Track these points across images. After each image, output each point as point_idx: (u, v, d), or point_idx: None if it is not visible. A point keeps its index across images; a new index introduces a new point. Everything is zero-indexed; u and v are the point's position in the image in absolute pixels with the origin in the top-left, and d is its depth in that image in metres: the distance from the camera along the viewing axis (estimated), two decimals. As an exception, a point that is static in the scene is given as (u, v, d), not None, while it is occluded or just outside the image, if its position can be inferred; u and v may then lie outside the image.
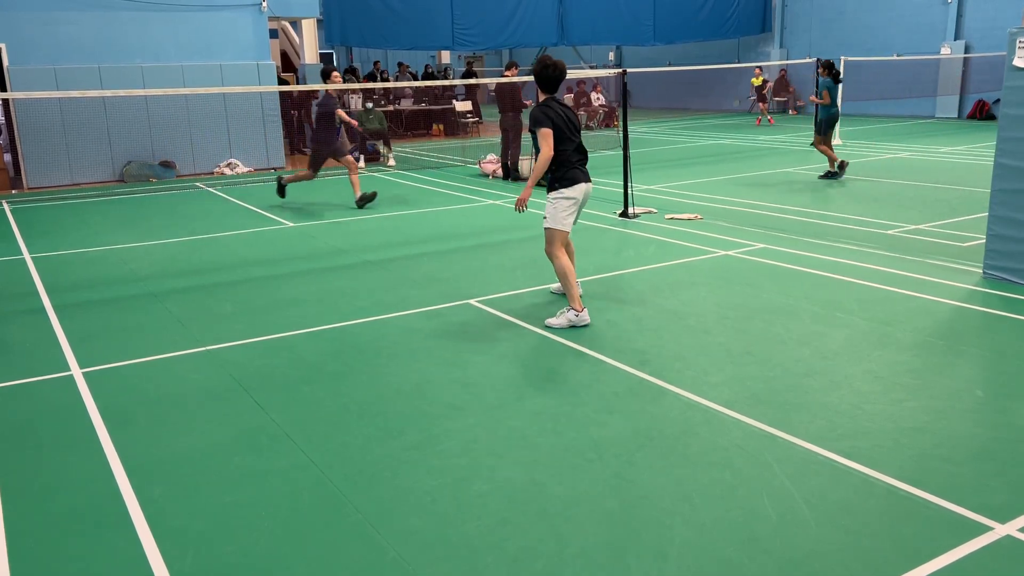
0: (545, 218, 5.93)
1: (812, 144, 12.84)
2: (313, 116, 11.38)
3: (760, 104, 23.43)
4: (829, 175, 12.43)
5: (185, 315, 6.45)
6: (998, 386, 4.70)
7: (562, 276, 5.88)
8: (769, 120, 23.08)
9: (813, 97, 12.48)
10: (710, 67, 21.19)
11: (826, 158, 12.64)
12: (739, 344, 5.39)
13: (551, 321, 5.86)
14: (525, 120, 13.58)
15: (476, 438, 4.16)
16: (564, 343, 5.52)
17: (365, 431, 4.30)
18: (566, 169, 5.85)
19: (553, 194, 5.88)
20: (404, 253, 8.45)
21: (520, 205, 5.92)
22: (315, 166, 10.96)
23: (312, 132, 11.11)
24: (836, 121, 12.53)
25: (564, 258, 5.91)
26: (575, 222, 5.98)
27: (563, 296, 6.37)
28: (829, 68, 12.35)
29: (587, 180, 5.93)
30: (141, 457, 4.06)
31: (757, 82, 23.66)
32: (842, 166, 12.40)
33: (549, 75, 5.87)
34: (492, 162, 14.29)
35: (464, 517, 3.44)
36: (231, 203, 12.03)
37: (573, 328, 5.78)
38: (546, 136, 5.74)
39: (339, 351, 5.54)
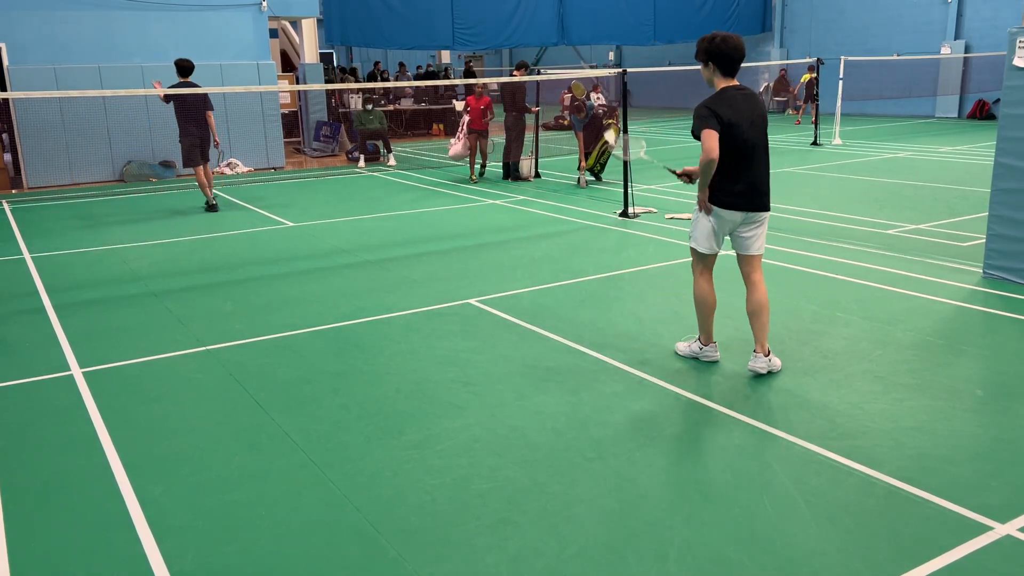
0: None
1: None
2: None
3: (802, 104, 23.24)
4: None
5: (185, 314, 6.45)
6: (998, 386, 4.70)
7: (695, 302, 5.14)
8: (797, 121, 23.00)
9: None
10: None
11: None
12: (739, 343, 5.39)
13: (680, 345, 5.27)
14: (529, 120, 13.63)
15: (476, 437, 4.16)
16: (564, 343, 5.52)
17: (365, 431, 4.29)
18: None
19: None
20: (404, 253, 8.45)
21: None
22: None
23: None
24: None
25: (699, 284, 5.10)
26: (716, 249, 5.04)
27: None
28: None
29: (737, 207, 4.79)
30: (141, 456, 4.06)
31: (806, 78, 23.16)
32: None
33: (716, 50, 4.80)
34: (456, 145, 13.67)
35: (464, 517, 3.44)
36: (231, 203, 12.02)
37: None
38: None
39: (339, 350, 5.54)
